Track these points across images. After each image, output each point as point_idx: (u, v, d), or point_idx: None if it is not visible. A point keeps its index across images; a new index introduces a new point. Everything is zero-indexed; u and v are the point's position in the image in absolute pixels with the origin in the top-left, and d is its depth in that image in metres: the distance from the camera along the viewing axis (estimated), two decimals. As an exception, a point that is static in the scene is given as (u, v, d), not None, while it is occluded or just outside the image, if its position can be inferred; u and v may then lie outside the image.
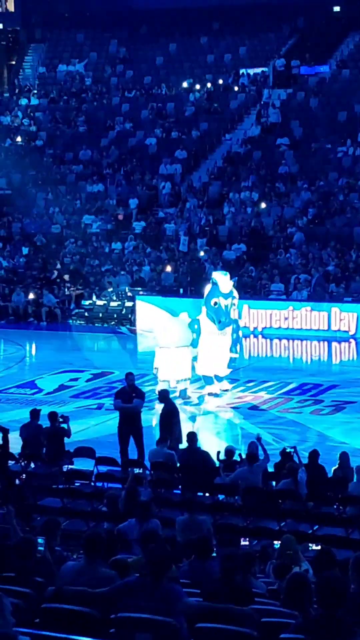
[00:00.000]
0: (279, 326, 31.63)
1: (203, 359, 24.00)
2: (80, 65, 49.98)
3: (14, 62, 52.54)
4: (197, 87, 46.37)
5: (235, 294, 24.36)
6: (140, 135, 43.85)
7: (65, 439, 17.38)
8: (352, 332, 30.84)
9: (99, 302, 34.42)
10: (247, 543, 13.55)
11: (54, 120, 46.36)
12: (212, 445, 18.41)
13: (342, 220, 36.24)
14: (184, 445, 17.37)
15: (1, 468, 15.92)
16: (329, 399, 23.84)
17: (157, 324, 26.70)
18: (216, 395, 23.89)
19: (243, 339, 26.43)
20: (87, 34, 51.62)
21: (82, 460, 17.13)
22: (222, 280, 24.03)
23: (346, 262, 34.14)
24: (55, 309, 34.55)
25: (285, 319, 31.60)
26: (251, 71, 45.93)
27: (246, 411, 22.80)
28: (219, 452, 16.39)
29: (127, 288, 34.57)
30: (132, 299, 33.84)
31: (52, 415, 17.45)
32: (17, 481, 15.84)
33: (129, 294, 34.22)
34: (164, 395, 18.76)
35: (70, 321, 34.41)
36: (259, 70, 45.85)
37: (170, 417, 18.08)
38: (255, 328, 31.60)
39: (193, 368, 24.00)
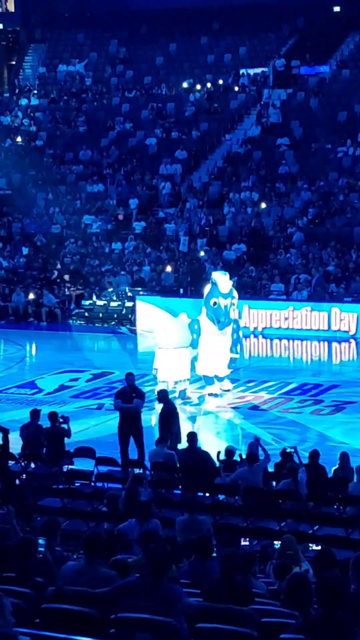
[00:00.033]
0: (279, 326, 31.63)
1: (203, 359, 24.01)
2: (81, 66, 49.97)
3: (14, 62, 52.54)
4: (198, 87, 46.36)
5: (235, 294, 24.37)
6: (141, 135, 43.86)
7: (66, 439, 17.38)
8: (352, 332, 30.84)
9: (99, 302, 34.43)
10: (247, 543, 13.54)
11: (54, 120, 46.36)
12: (213, 445, 18.41)
13: (342, 220, 36.24)
14: (183, 445, 17.38)
15: (1, 468, 15.92)
16: (329, 399, 23.84)
17: (157, 324, 26.71)
18: (216, 395, 23.89)
19: (243, 339, 26.41)
20: (87, 34, 51.62)
21: (82, 460, 17.13)
22: (222, 280, 24.04)
23: (346, 262, 34.15)
24: (55, 309, 34.55)
25: (286, 319, 31.61)
26: (251, 71, 45.93)
27: (246, 411, 22.80)
28: (219, 453, 16.39)
29: (127, 288, 34.57)
30: (132, 299, 33.84)
31: (52, 416, 17.45)
32: (17, 481, 15.84)
33: (129, 294, 34.22)
34: (162, 395, 18.76)
35: (71, 321, 34.41)
36: (259, 70, 45.85)
37: (169, 417, 18.09)
38: (255, 328, 31.60)
39: (192, 368, 24.00)
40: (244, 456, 15.72)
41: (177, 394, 23.05)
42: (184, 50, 48.93)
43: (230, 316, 23.99)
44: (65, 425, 17.28)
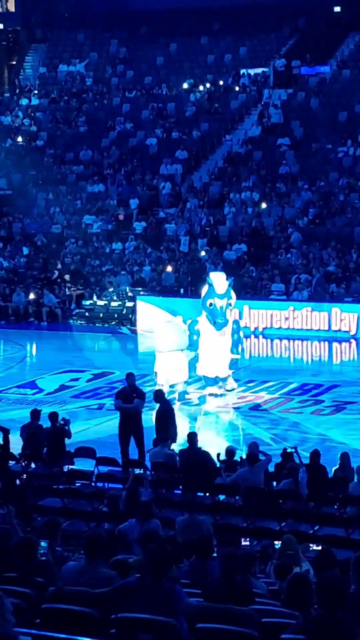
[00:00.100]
0: (279, 326, 31.64)
1: (204, 359, 24.03)
2: (81, 66, 49.97)
3: (14, 62, 52.53)
4: (200, 87, 46.32)
5: (233, 294, 24.35)
6: (141, 135, 43.85)
7: (66, 439, 17.38)
8: (352, 333, 30.84)
9: (100, 302, 34.43)
10: (247, 543, 13.55)
11: (55, 120, 46.37)
12: (213, 445, 18.41)
13: (342, 220, 36.24)
14: (180, 444, 17.40)
15: (2, 468, 15.93)
16: (329, 399, 23.85)
17: (155, 328, 26.79)
18: (217, 395, 23.89)
19: (244, 339, 26.42)
20: (88, 34, 51.60)
21: (83, 460, 17.14)
22: (218, 280, 24.10)
23: (346, 262, 34.15)
24: (55, 309, 34.55)
25: (286, 319, 31.61)
26: (252, 71, 45.92)
27: (247, 411, 22.80)
28: (218, 454, 16.37)
29: (127, 288, 34.57)
30: (133, 299, 33.84)
31: (53, 416, 17.45)
32: (17, 481, 15.85)
33: (130, 294, 34.22)
34: (159, 395, 18.76)
35: (71, 321, 34.41)
36: (259, 70, 45.85)
37: (165, 417, 18.09)
38: (256, 328, 31.60)
39: (191, 370, 24.04)
40: (244, 456, 15.72)
41: (176, 396, 23.07)
42: (185, 51, 48.93)
43: (227, 317, 23.99)
44: (66, 427, 17.29)
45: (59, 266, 36.80)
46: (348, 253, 34.48)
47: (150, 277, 35.51)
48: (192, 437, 16.53)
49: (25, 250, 38.29)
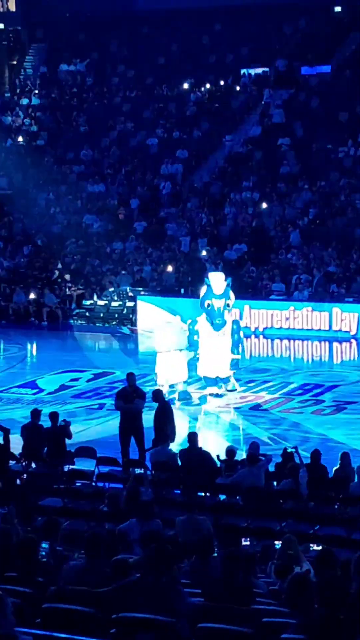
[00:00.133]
0: (280, 326, 31.64)
1: (204, 360, 24.03)
2: (82, 65, 49.96)
3: (15, 62, 52.50)
4: (201, 87, 46.31)
5: (231, 295, 24.34)
6: (142, 135, 43.85)
7: (67, 439, 17.38)
8: (353, 333, 30.85)
9: (100, 302, 34.43)
10: (248, 543, 13.54)
11: (55, 120, 46.37)
12: (213, 445, 18.42)
13: (343, 220, 36.23)
14: (180, 444, 17.39)
15: (2, 468, 15.94)
16: (330, 399, 23.85)
17: (154, 328, 26.82)
18: (218, 395, 23.89)
19: (244, 339, 26.41)
20: (88, 34, 51.58)
21: (83, 460, 17.14)
22: (215, 281, 24.10)
23: (347, 262, 34.15)
24: (56, 308, 34.55)
25: (287, 319, 31.62)
26: (252, 71, 45.91)
27: (247, 411, 22.80)
28: (218, 456, 16.36)
29: (128, 288, 34.57)
30: (134, 299, 33.84)
31: (53, 416, 17.45)
32: (18, 481, 15.85)
33: (130, 294, 34.22)
34: (157, 395, 18.77)
35: (72, 321, 34.41)
36: (260, 70, 45.82)
37: (164, 416, 18.10)
38: (256, 328, 31.60)
39: (190, 369, 24.04)
40: (245, 457, 15.73)
41: (176, 396, 23.08)
42: (185, 50, 48.89)
43: (224, 318, 23.98)
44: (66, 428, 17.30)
45: (60, 266, 36.80)
46: (348, 253, 34.48)
47: (151, 277, 35.51)
48: (192, 437, 16.53)
49: (26, 250, 38.29)
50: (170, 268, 35.32)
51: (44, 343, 32.77)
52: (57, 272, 36.32)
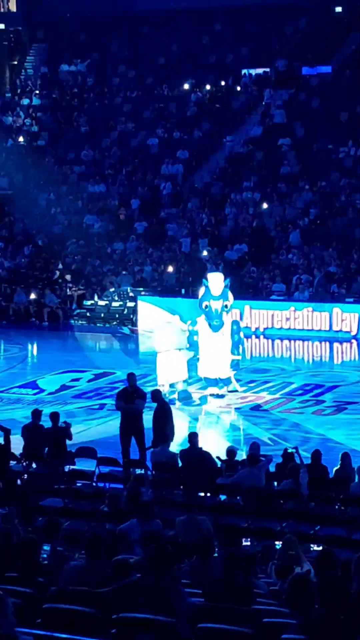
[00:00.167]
0: (280, 327, 31.64)
1: (204, 361, 24.04)
2: (82, 66, 49.97)
3: (16, 62, 52.51)
4: (201, 88, 46.30)
5: (230, 295, 24.32)
6: (142, 135, 43.86)
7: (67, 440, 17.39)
8: (353, 333, 30.85)
9: (101, 303, 34.44)
10: (248, 543, 13.55)
11: (56, 120, 46.38)
12: (214, 445, 18.41)
13: (343, 220, 36.23)
14: (180, 444, 17.39)
15: (3, 468, 15.94)
16: (330, 399, 23.85)
17: (154, 328, 26.82)
18: (218, 396, 23.90)
19: (245, 340, 26.41)
20: (89, 34, 51.59)
21: (84, 460, 17.14)
22: (214, 282, 24.10)
23: (348, 262, 34.15)
24: (57, 309, 34.56)
25: (287, 319, 31.62)
26: (253, 71, 45.91)
27: (248, 412, 22.80)
28: (218, 457, 16.35)
29: (129, 288, 34.58)
30: (134, 299, 33.85)
31: (54, 416, 17.45)
32: (18, 481, 15.85)
33: (131, 294, 34.23)
34: (156, 395, 18.77)
35: (72, 321, 34.42)
36: (260, 70, 45.83)
37: (163, 416, 18.10)
38: (257, 328, 31.61)
39: (190, 369, 24.04)
40: (245, 457, 15.73)
41: (176, 396, 23.08)
42: (186, 51, 48.90)
43: (222, 319, 23.97)
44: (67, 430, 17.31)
45: (60, 266, 36.81)
46: (349, 253, 34.48)
47: (152, 277, 35.51)
48: (193, 437, 16.53)
49: (27, 250, 38.31)
50: (170, 268, 35.32)
51: (44, 343, 32.77)
52: (57, 273, 36.33)
